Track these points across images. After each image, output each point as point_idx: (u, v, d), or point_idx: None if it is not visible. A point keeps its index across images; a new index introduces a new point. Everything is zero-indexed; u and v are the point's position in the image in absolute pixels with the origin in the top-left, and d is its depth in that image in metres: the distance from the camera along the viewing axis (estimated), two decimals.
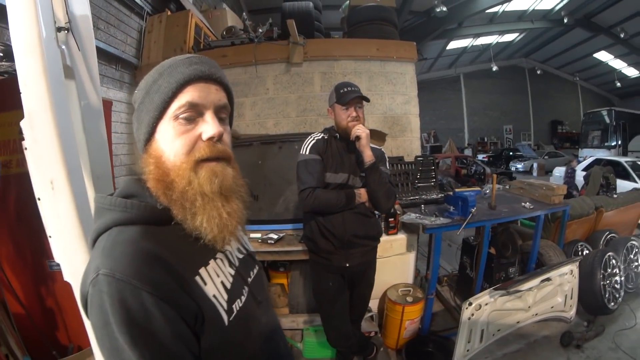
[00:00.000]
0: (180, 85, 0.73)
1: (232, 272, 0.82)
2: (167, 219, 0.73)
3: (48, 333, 2.25)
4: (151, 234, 0.69)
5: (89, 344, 1.90)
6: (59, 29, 1.35)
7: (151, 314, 0.61)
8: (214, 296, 0.73)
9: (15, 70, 2.26)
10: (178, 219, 0.72)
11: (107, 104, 2.99)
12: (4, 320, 1.92)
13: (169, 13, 5.13)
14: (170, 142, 0.74)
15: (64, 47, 1.38)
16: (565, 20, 14.20)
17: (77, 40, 1.42)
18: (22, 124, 1.15)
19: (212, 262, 0.77)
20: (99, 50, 3.70)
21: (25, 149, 1.17)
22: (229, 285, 0.77)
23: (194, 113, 0.74)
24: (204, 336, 0.69)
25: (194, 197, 0.72)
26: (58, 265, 1.23)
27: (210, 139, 0.74)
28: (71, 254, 1.21)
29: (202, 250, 0.75)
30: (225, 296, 0.75)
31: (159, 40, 4.93)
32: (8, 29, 2.87)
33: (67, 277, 1.22)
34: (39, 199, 1.19)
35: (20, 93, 1.16)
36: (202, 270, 0.73)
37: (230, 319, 0.74)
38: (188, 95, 0.73)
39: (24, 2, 1.13)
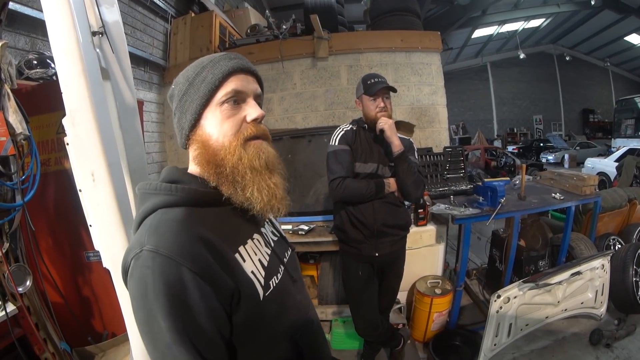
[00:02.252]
0: (225, 76, 0.81)
1: (269, 251, 0.88)
2: (209, 201, 0.79)
3: (84, 320, 2.39)
4: (195, 215, 0.75)
5: (123, 331, 2.00)
6: (94, 34, 1.42)
7: (188, 289, 0.65)
8: (252, 272, 0.78)
9: (49, 77, 2.42)
10: (227, 195, 0.79)
11: (139, 104, 3.11)
12: (43, 308, 2.03)
13: (193, 15, 5.24)
14: (219, 125, 0.81)
15: (98, 50, 1.45)
16: (593, 2, 13.54)
17: (111, 44, 1.49)
18: (64, 121, 1.22)
19: (249, 241, 0.83)
20: None
21: (67, 144, 1.24)
22: (266, 263, 0.83)
23: (239, 99, 0.83)
24: (241, 311, 0.74)
25: (244, 171, 0.79)
26: (95, 256, 1.31)
27: (255, 120, 0.83)
28: (110, 242, 1.28)
29: (240, 230, 0.83)
30: (263, 272, 0.81)
31: (184, 42, 5.06)
32: (40, 39, 3.07)
33: (106, 263, 1.30)
34: (80, 191, 1.27)
35: (61, 94, 1.22)
36: (241, 248, 0.79)
37: (267, 294, 0.79)
38: (233, 84, 0.82)
39: (61, 10, 1.20)
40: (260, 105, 0.88)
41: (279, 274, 0.86)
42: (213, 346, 0.69)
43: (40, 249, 2.15)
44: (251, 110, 0.83)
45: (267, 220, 0.98)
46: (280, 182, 0.85)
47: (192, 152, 0.84)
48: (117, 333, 2.34)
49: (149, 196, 0.78)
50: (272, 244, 0.91)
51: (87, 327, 2.39)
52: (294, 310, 0.89)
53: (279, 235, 1.00)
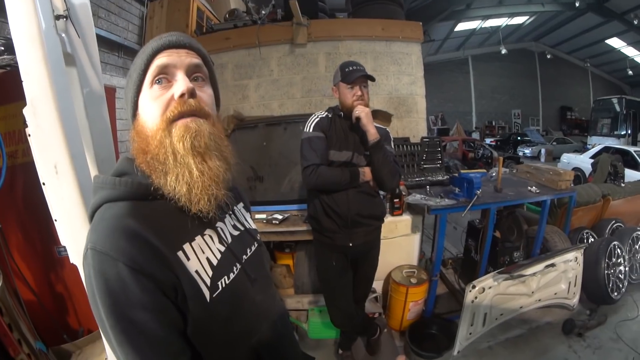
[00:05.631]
0: (151, 56, 0.76)
1: (222, 248, 0.82)
2: (153, 193, 0.74)
3: (59, 318, 2.30)
4: (136, 210, 0.71)
5: (98, 327, 1.95)
6: (57, 17, 1.34)
7: (127, 284, 0.63)
8: (197, 271, 0.73)
9: (16, 63, 2.28)
10: (157, 184, 0.73)
11: (111, 91, 2.98)
12: (16, 306, 1.94)
13: None
14: (148, 109, 0.76)
15: (63, 34, 1.37)
16: (577, 4, 13.80)
17: (77, 28, 1.41)
18: (25, 111, 1.16)
19: (198, 237, 0.77)
20: (101, 38, 3.65)
21: (29, 135, 1.18)
22: (215, 262, 0.78)
23: (166, 75, 0.76)
24: (189, 311, 0.70)
25: (165, 156, 0.72)
26: (66, 250, 1.26)
27: (182, 95, 0.74)
28: (76, 237, 1.23)
29: (190, 225, 0.76)
30: (210, 272, 0.75)
31: (160, 26, 4.88)
32: (7, 23, 2.90)
33: (73, 259, 1.25)
34: (43, 184, 1.21)
35: (22, 82, 1.16)
36: (186, 246, 0.73)
37: (214, 295, 0.74)
38: (158, 61, 0.76)
39: None
40: (203, 78, 0.81)
41: (231, 274, 0.81)
42: (162, 342, 0.66)
43: (10, 245, 2.07)
44: (177, 86, 0.75)
45: (229, 212, 0.91)
46: (214, 167, 0.75)
47: (132, 142, 0.78)
48: (93, 329, 2.27)
49: (98, 190, 0.75)
50: (229, 241, 0.85)
51: (62, 325, 2.30)
52: (250, 313, 0.84)
53: (243, 228, 0.93)
